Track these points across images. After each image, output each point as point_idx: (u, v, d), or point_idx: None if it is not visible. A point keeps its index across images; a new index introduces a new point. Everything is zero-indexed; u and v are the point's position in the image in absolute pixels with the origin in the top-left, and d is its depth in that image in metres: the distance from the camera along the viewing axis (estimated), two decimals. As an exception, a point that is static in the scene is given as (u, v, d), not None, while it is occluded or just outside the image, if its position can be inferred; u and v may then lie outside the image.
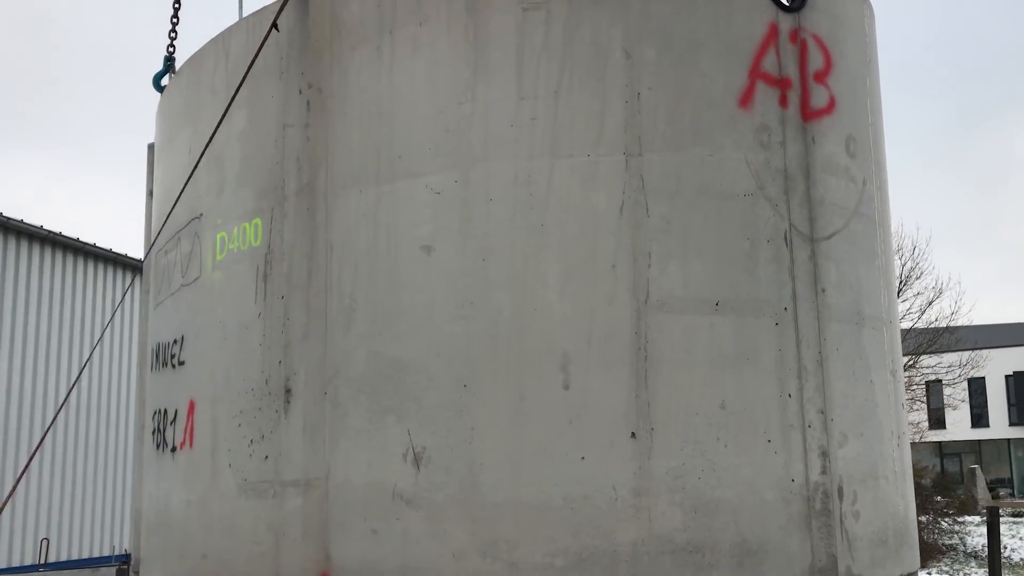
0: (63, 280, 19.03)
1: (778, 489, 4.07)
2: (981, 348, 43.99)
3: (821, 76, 4.47)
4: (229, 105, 4.74)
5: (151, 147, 6.68)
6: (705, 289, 4.11)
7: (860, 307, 4.44)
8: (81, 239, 19.29)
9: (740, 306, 4.13)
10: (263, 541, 4.55)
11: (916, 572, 4.69)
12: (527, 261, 4.13)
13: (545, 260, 4.12)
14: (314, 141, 4.63)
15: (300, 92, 4.68)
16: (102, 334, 16.83)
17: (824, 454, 4.16)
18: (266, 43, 4.88)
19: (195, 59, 5.52)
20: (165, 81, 6.75)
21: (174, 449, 5.29)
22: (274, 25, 4.69)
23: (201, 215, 5.23)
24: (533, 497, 4.00)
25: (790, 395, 4.14)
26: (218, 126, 4.89)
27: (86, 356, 18.67)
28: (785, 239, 4.24)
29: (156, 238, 6.38)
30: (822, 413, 4.19)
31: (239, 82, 5.03)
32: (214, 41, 5.35)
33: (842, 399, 4.26)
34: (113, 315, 19.29)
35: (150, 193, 6.62)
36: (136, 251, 19.97)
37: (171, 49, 6.78)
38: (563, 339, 4.06)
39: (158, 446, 5.53)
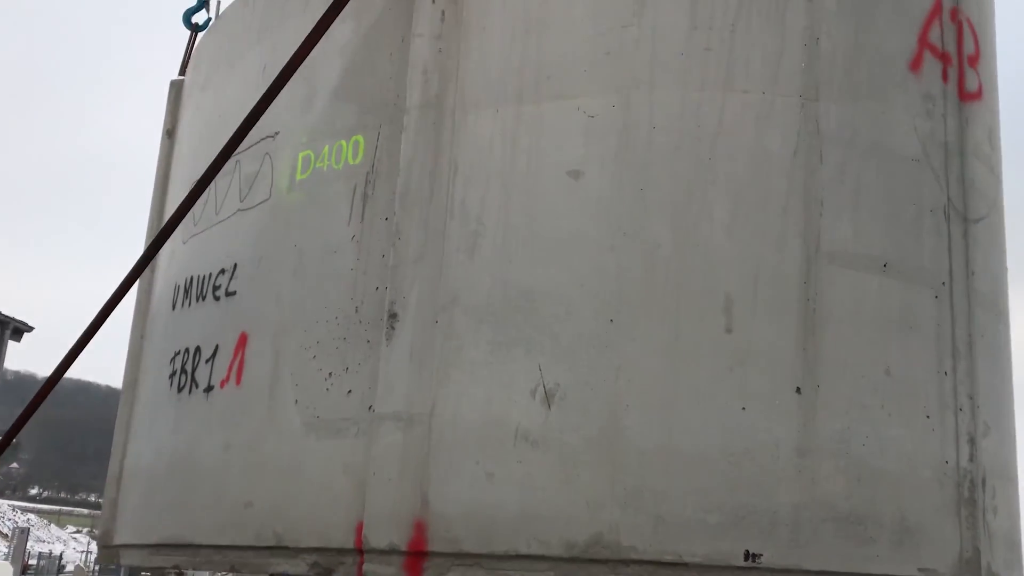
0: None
1: (933, 469, 3.79)
2: None
3: (973, 61, 4.38)
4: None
5: (175, 84, 6.14)
6: (875, 247, 3.86)
7: (997, 300, 4.27)
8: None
9: (907, 272, 3.89)
10: (334, 485, 3.99)
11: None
12: (692, 194, 3.82)
13: (712, 195, 3.81)
14: (446, 54, 4.24)
15: (433, 1, 4.31)
16: None
17: (971, 441, 3.92)
18: (385, -45, 4.51)
19: (278, -24, 5.08)
20: (199, 19, 6.27)
21: (209, 389, 4.66)
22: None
23: (277, 133, 4.73)
24: (687, 446, 3.60)
25: (946, 373, 3.90)
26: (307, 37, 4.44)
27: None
28: (944, 213, 4.06)
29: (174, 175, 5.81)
30: (971, 398, 3.95)
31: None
32: (310, -45, 4.92)
33: (985, 388, 4.04)
34: None
35: (169, 132, 6.05)
36: None
37: (206, -14, 6.30)
38: (727, 280, 3.74)
39: (180, 388, 4.88)
